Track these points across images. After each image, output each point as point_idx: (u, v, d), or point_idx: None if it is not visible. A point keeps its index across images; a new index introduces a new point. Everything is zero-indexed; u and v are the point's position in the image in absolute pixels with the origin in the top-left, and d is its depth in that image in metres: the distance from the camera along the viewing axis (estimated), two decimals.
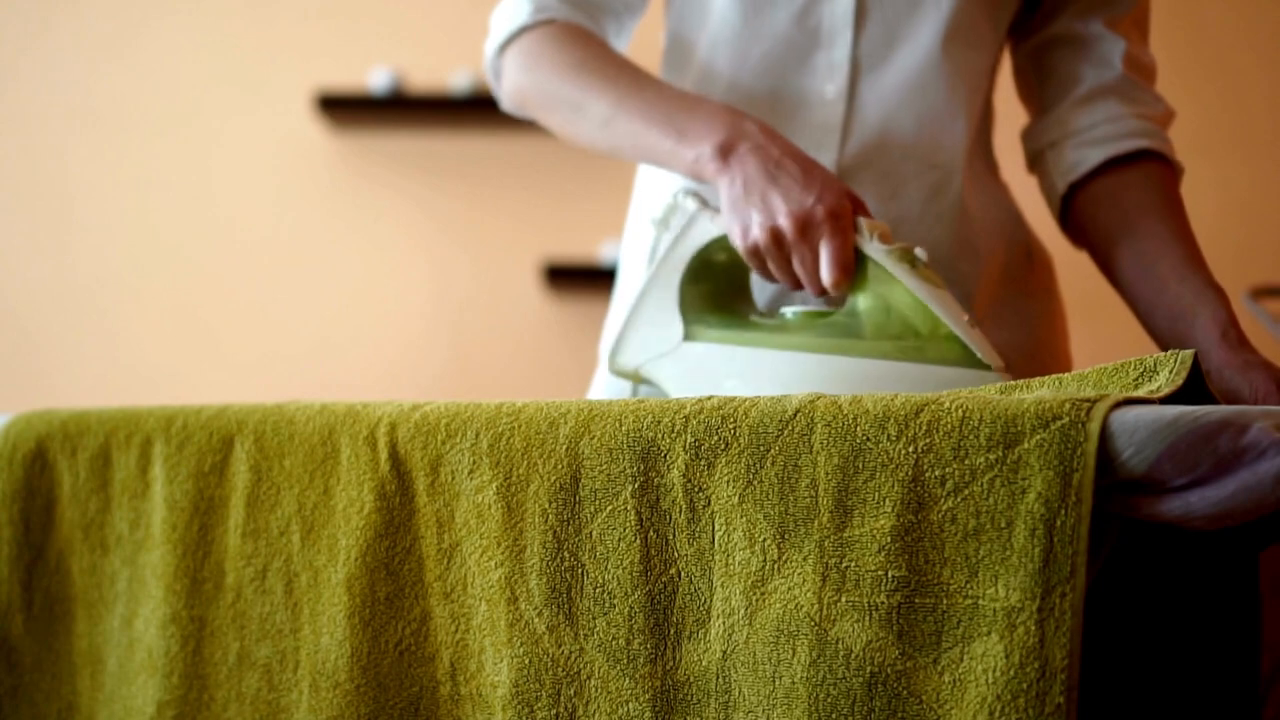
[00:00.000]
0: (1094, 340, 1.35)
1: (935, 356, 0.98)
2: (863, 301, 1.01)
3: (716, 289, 1.10)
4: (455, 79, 3.29)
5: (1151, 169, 1.20)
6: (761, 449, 0.77)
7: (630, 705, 0.81)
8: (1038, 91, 1.28)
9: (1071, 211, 1.24)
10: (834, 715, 0.73)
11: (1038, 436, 0.69)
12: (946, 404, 0.73)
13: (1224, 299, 1.07)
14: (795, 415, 0.77)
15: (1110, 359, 0.85)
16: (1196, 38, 3.21)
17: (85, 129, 3.42)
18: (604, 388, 1.30)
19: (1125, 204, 1.19)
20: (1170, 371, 0.77)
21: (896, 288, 1.00)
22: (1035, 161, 1.27)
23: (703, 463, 0.79)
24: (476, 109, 3.30)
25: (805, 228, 1.00)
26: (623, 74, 1.16)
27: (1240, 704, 0.82)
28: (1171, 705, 0.85)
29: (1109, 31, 1.23)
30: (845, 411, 0.75)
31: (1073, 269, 1.40)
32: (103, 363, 3.38)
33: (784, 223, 1.01)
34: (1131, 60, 1.23)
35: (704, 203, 1.09)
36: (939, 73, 1.20)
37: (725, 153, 1.05)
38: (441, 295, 3.39)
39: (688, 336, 1.08)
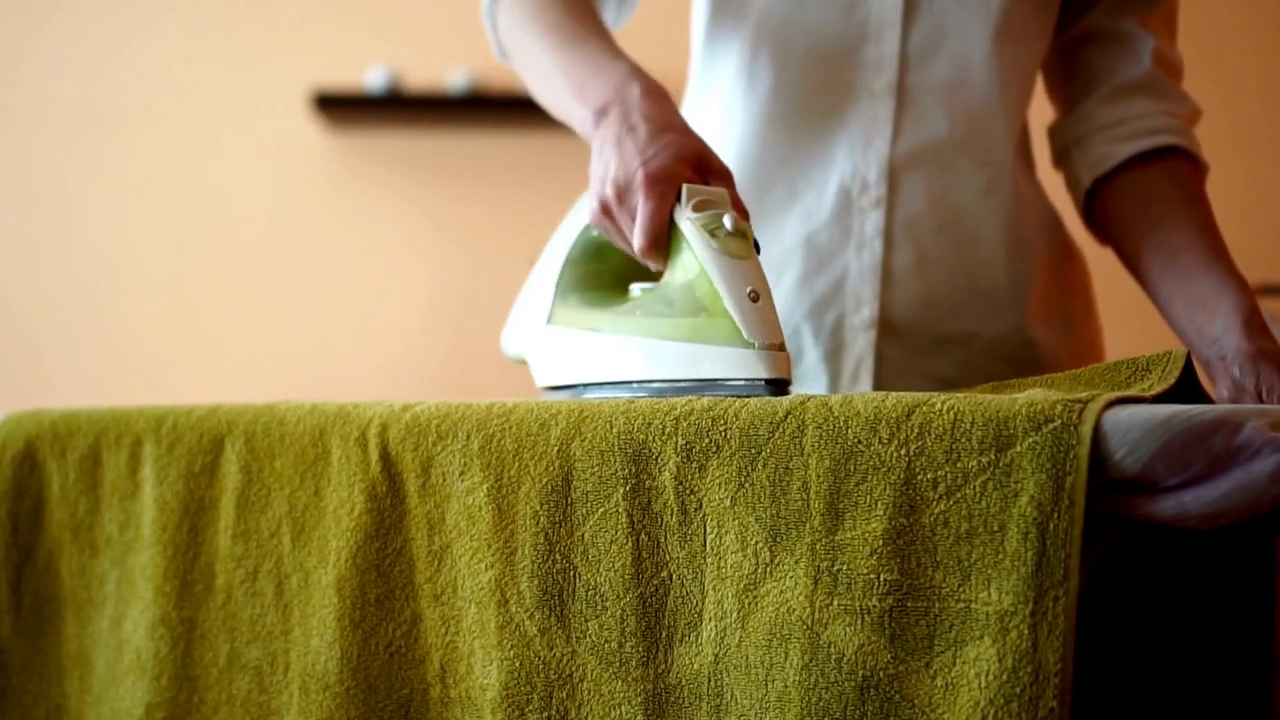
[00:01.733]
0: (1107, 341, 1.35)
1: (708, 335, 0.91)
2: (675, 275, 0.95)
3: (611, 266, 1.04)
4: (452, 78, 3.29)
5: (1178, 165, 1.20)
6: (753, 451, 0.77)
7: (622, 708, 0.80)
8: (1065, 87, 1.28)
9: (1096, 206, 1.24)
10: (826, 719, 0.72)
11: (1030, 439, 0.68)
12: (938, 406, 0.72)
13: (1248, 289, 1.07)
14: (786, 418, 0.76)
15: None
16: (1196, 38, 3.20)
17: (83, 128, 3.42)
18: None
19: (1150, 198, 1.18)
20: (1162, 370, 0.77)
21: (694, 258, 0.93)
22: (1061, 156, 1.27)
23: (694, 465, 0.79)
24: (473, 108, 3.30)
25: (623, 193, 0.95)
26: (568, 28, 1.12)
27: (1250, 698, 0.81)
28: (1171, 703, 0.85)
29: (1139, 29, 1.23)
30: (836, 413, 0.75)
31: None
32: (99, 361, 3.38)
33: (608, 190, 0.96)
34: (1160, 58, 1.23)
35: None
36: (989, 69, 1.19)
37: (599, 117, 1.01)
38: (438, 294, 3.39)
39: (549, 319, 1.03)
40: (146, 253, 3.40)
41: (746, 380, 0.88)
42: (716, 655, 0.78)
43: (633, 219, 0.95)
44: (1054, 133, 1.28)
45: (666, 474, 0.80)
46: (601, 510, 0.82)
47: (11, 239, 3.43)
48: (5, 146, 3.44)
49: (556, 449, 0.83)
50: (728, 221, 0.92)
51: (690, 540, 0.79)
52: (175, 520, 0.97)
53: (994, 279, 1.20)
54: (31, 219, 3.43)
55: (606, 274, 1.04)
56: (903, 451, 0.72)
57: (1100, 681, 0.84)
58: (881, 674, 0.71)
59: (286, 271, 3.40)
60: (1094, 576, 0.72)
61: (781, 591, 0.75)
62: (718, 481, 0.78)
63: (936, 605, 0.70)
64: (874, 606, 0.72)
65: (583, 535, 0.82)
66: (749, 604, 0.76)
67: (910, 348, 1.20)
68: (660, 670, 0.80)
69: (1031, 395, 0.71)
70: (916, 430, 0.72)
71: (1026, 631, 0.67)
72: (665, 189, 0.93)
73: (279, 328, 3.39)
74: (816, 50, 1.19)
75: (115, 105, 3.41)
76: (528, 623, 0.83)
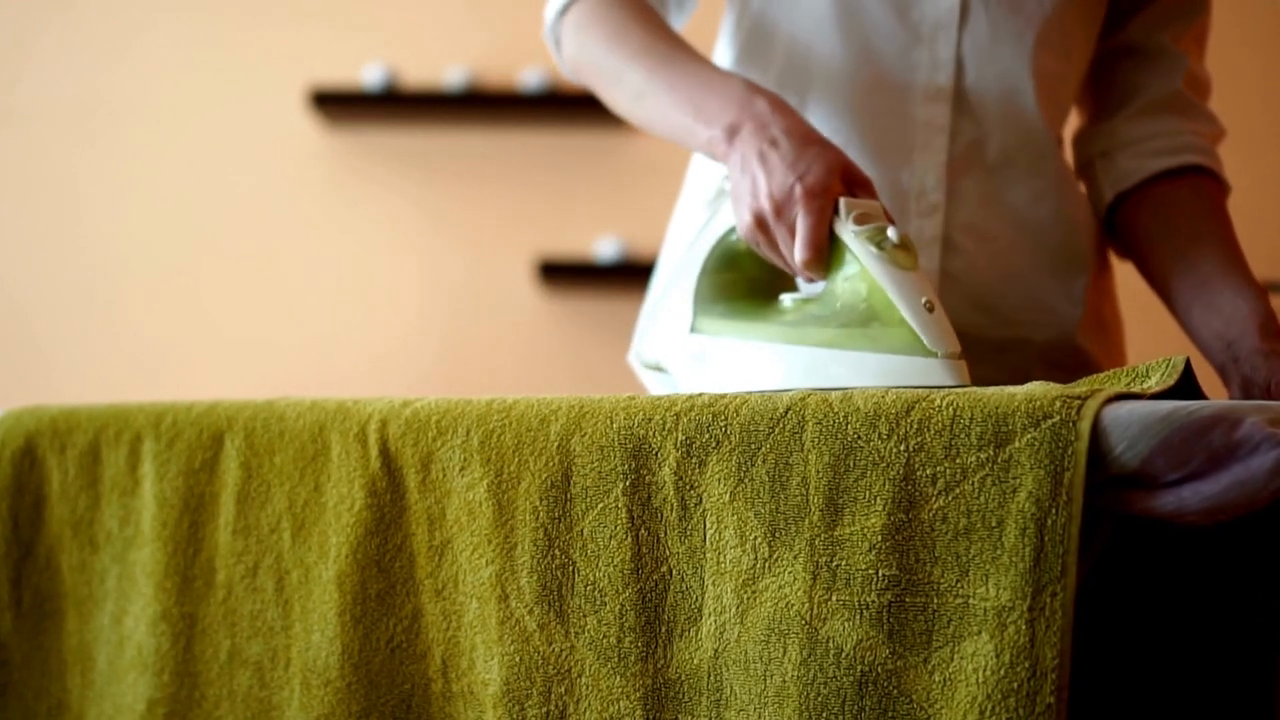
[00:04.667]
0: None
1: (885, 344, 0.93)
2: (838, 286, 0.97)
3: (748, 276, 1.06)
4: (449, 75, 3.29)
5: (1201, 183, 1.21)
6: (753, 447, 0.77)
7: (621, 703, 0.80)
8: (1095, 98, 1.28)
9: (1118, 219, 1.24)
10: (824, 714, 0.73)
11: (1029, 435, 0.68)
12: (938, 402, 0.73)
13: (1265, 297, 1.08)
14: (786, 413, 0.77)
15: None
16: None
17: (81, 126, 3.42)
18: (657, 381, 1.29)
19: (1172, 211, 1.19)
20: (1162, 374, 0.77)
21: (861, 270, 0.95)
22: (1085, 168, 1.28)
23: (694, 460, 0.79)
24: (470, 105, 3.29)
25: (781, 207, 0.97)
26: (658, 45, 1.13)
27: (1252, 694, 0.82)
28: (1170, 699, 0.85)
29: (1172, 46, 1.24)
30: (836, 409, 0.75)
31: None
32: (98, 356, 3.38)
33: (764, 203, 0.98)
34: (1191, 77, 1.24)
35: None
36: (1036, 78, 1.18)
37: (731, 134, 1.02)
38: (435, 292, 3.39)
39: (693, 328, 1.06)
40: (145, 249, 3.40)
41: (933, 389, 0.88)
42: (716, 650, 0.78)
43: (790, 233, 0.97)
44: (1079, 142, 1.28)
45: (666, 469, 0.80)
46: (601, 505, 0.82)
47: (11, 236, 3.43)
48: (5, 145, 3.44)
49: (556, 444, 0.84)
50: (892, 234, 0.95)
51: (690, 535, 0.79)
52: (175, 516, 0.97)
53: (1045, 287, 1.20)
54: (31, 216, 3.43)
55: (742, 284, 1.06)
56: (902, 447, 0.72)
57: (1098, 677, 0.85)
58: (879, 669, 0.72)
59: (283, 268, 3.40)
60: (1093, 572, 0.72)
61: (780, 587, 0.75)
62: (717, 477, 0.78)
63: (935, 601, 0.70)
64: (872, 602, 0.72)
65: (582, 530, 0.83)
66: (748, 599, 0.76)
67: (966, 355, 1.19)
68: (659, 665, 0.80)
69: (1031, 390, 0.71)
70: (916, 426, 0.72)
71: (1024, 627, 0.67)
72: (823, 203, 0.96)
73: (275, 324, 3.39)
74: (869, 51, 1.18)
75: (114, 103, 3.41)
76: (527, 618, 0.84)
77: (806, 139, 1.00)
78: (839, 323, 0.96)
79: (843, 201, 0.96)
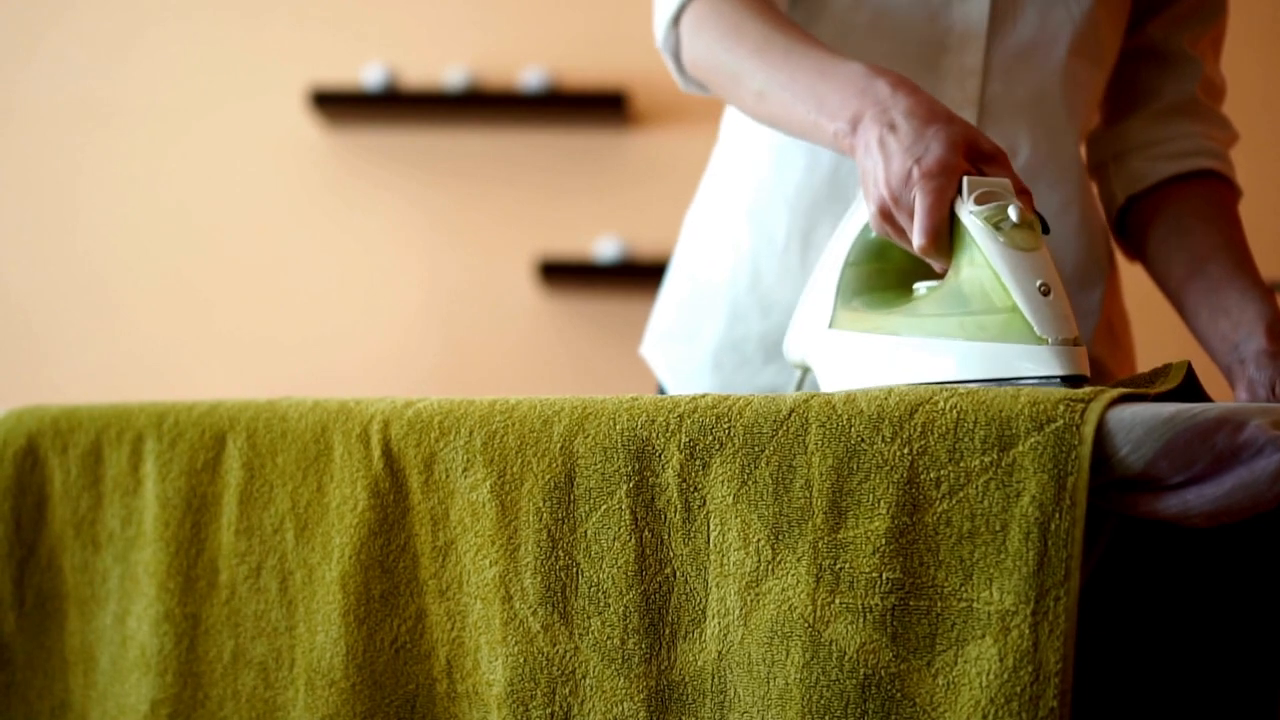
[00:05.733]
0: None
1: (996, 331, 0.88)
2: (962, 271, 0.92)
3: (896, 266, 1.02)
4: (449, 75, 3.29)
5: (1214, 187, 1.21)
6: (756, 449, 0.77)
7: (625, 705, 0.80)
8: (1112, 100, 1.28)
9: (1129, 221, 1.25)
10: (827, 717, 0.73)
11: (1032, 439, 0.68)
12: (941, 405, 0.72)
13: (1273, 299, 1.09)
14: (790, 415, 0.77)
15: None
16: None
17: (82, 126, 3.42)
18: (685, 375, 1.28)
19: (1183, 214, 1.20)
20: (1164, 378, 0.77)
21: (979, 253, 0.90)
22: (1098, 169, 1.28)
23: (697, 462, 0.79)
24: (470, 105, 3.29)
25: (899, 193, 0.92)
26: (775, 40, 1.09)
27: (1255, 696, 0.82)
28: (1173, 702, 0.85)
29: (1189, 50, 1.24)
30: (840, 412, 0.75)
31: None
32: (98, 356, 3.38)
33: (884, 191, 0.93)
34: (1206, 82, 1.25)
35: None
36: (1067, 86, 1.18)
37: (855, 125, 0.98)
38: (436, 292, 3.39)
39: (832, 323, 1.02)
40: (146, 249, 3.40)
41: (1041, 378, 0.85)
42: (719, 652, 0.78)
43: (912, 218, 0.92)
44: (1093, 143, 1.28)
45: (670, 471, 0.80)
46: (605, 507, 0.82)
47: (12, 235, 3.43)
48: (7, 145, 3.44)
49: (560, 445, 0.84)
50: (1013, 213, 0.90)
51: (693, 537, 0.79)
52: (178, 516, 0.97)
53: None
54: (32, 216, 3.43)
55: (890, 274, 1.02)
56: (906, 450, 0.72)
57: (1101, 679, 0.85)
58: (883, 672, 0.71)
59: (284, 268, 3.40)
60: (1095, 573, 0.72)
61: (783, 589, 0.75)
62: (721, 479, 0.78)
63: (938, 604, 0.70)
64: (876, 605, 0.72)
65: (586, 532, 0.82)
66: (751, 601, 0.76)
67: None
68: (663, 667, 0.80)
69: (1035, 393, 0.71)
70: (920, 429, 0.72)
71: (1028, 631, 0.67)
72: (943, 183, 0.91)
73: (276, 324, 3.39)
74: (897, 56, 1.17)
75: (115, 104, 3.41)
76: (531, 619, 0.83)
77: (929, 118, 0.95)
78: (959, 310, 0.91)
79: (966, 181, 0.92)
